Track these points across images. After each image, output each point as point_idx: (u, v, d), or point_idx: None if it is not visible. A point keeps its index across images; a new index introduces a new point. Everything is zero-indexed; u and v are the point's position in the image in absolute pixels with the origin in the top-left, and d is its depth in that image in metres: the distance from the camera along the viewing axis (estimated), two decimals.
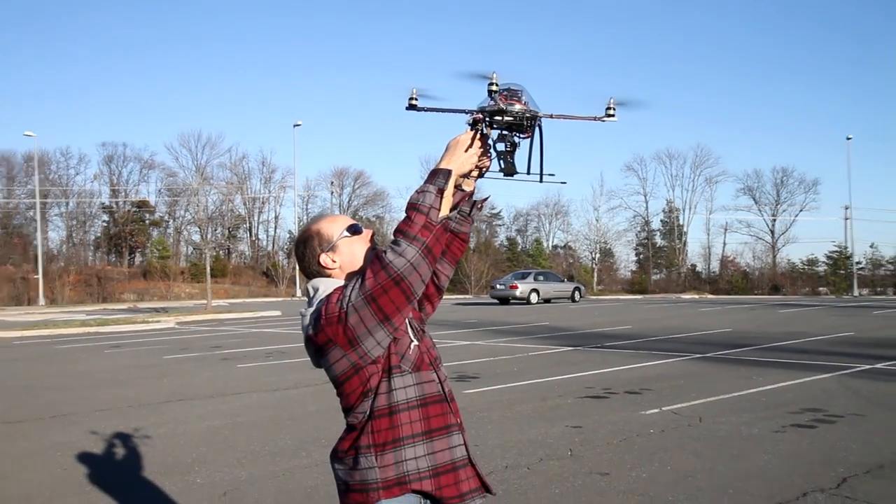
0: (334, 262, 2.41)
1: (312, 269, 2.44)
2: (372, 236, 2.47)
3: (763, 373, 11.65)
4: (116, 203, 68.02)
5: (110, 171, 68.11)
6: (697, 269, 67.21)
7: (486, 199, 2.64)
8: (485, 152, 2.46)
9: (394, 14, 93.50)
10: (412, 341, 2.33)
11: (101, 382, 12.33)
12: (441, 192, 2.25)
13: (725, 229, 68.12)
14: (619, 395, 9.86)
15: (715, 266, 66.18)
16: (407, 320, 2.33)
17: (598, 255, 62.59)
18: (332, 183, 71.24)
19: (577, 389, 10.36)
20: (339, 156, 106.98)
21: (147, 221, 68.99)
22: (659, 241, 72.40)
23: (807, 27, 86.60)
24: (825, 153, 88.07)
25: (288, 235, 69.54)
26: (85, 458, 7.12)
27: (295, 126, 57.18)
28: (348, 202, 72.98)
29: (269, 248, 72.79)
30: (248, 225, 71.96)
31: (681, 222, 69.63)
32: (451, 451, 2.34)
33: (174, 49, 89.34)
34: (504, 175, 2.57)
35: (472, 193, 2.58)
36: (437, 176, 2.29)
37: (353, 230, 2.42)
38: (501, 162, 2.56)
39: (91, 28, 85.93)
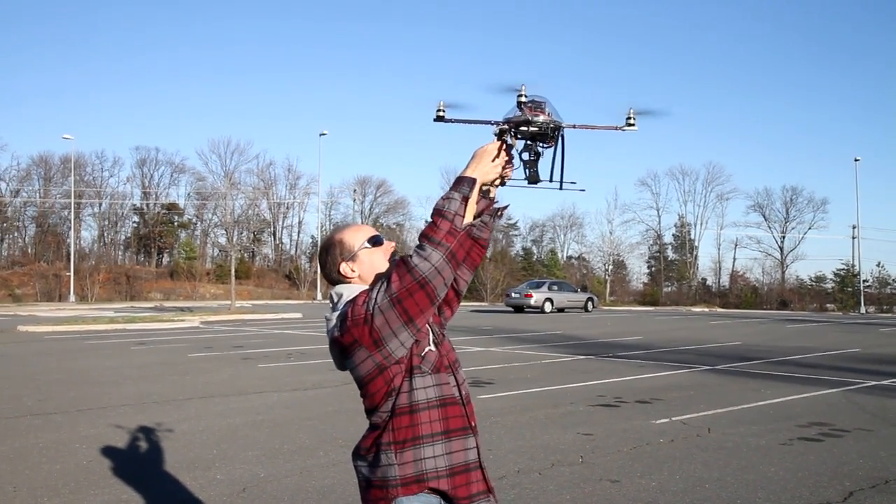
0: (353, 271, 2.43)
1: (333, 276, 2.46)
2: (393, 252, 2.48)
3: (771, 386, 11.53)
4: (147, 205, 68.58)
5: (142, 175, 68.74)
6: (708, 282, 66.85)
7: (505, 207, 2.65)
8: (509, 161, 2.47)
9: (416, 23, 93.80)
10: (430, 344, 2.33)
11: (127, 378, 12.39)
12: (466, 199, 2.26)
13: (736, 245, 67.77)
14: (630, 404, 9.80)
15: (725, 280, 65.74)
16: (427, 324, 2.33)
17: (611, 267, 62.32)
18: (354, 190, 71.41)
19: (589, 397, 10.30)
20: (362, 164, 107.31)
21: (175, 223, 69.45)
22: (671, 254, 72.01)
23: (817, 48, 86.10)
24: (834, 173, 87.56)
25: (311, 240, 69.85)
26: (109, 451, 7.14)
27: (321, 135, 57.41)
28: (370, 210, 73.18)
29: (293, 251, 73.06)
30: (272, 229, 72.25)
31: (692, 237, 69.31)
32: (466, 452, 2.34)
33: (208, 58, 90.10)
34: (528, 183, 2.60)
35: (493, 201, 2.58)
36: (463, 184, 2.30)
37: (375, 241, 2.44)
38: (526, 170, 2.59)
39: (131, 37, 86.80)
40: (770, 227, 65.75)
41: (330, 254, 2.46)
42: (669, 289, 66.87)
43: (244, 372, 13.21)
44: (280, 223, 73.29)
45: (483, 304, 52.15)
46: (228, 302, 38.20)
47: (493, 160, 2.40)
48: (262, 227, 67.55)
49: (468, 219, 2.31)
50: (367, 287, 2.34)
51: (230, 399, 10.20)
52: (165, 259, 69.63)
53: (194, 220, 71.59)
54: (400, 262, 2.18)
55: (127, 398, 10.23)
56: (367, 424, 2.38)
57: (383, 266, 2.41)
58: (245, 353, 16.32)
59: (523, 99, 2.49)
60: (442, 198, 2.26)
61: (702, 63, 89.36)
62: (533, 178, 2.59)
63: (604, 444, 7.43)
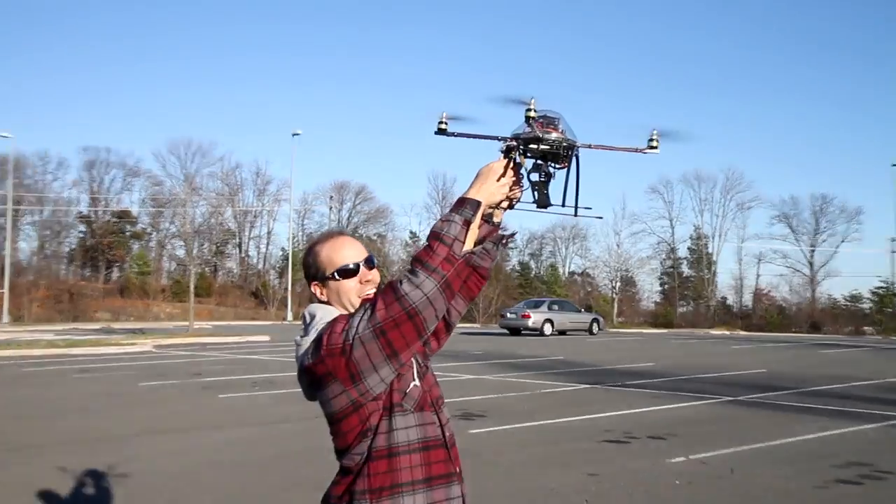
0: (322, 294, 2.44)
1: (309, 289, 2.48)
2: (378, 286, 2.45)
3: (802, 420, 11.50)
4: (95, 212, 68.25)
5: (91, 178, 68.35)
6: (728, 302, 67.00)
7: (512, 235, 2.65)
8: (517, 182, 2.48)
9: (407, 23, 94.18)
10: (414, 378, 2.31)
11: (68, 411, 12.24)
12: (468, 223, 2.25)
13: (759, 260, 67.85)
14: (640, 440, 9.74)
15: (747, 300, 65.94)
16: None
17: (618, 284, 62.48)
18: (331, 197, 71.46)
19: (594, 432, 10.24)
20: (339, 168, 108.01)
21: (128, 233, 69.20)
22: (686, 270, 72.17)
23: (849, 45, 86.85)
24: (868, 180, 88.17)
25: (281, 253, 69.71)
26: (48, 497, 7.02)
27: (294, 135, 57.56)
28: (348, 218, 73.13)
29: (260, 266, 72.89)
30: (237, 240, 72.12)
31: (710, 250, 69.47)
32: (450, 502, 2.32)
33: (165, 49, 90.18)
34: (537, 207, 2.59)
35: (498, 226, 2.59)
36: (465, 206, 2.29)
37: (345, 272, 2.41)
38: (535, 193, 2.58)
39: (76, 26, 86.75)
40: (798, 240, 66.09)
41: (306, 263, 2.49)
42: (685, 309, 66.99)
43: (203, 403, 13.08)
44: (246, 234, 73.19)
45: (474, 325, 52.12)
46: (186, 323, 38.01)
47: (499, 179, 2.40)
48: (225, 238, 67.46)
49: (468, 245, 2.30)
50: (343, 312, 2.33)
51: (187, 435, 10.08)
52: (115, 274, 69.28)
53: (149, 229, 71.40)
54: (388, 289, 2.16)
55: (68, 434, 10.09)
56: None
57: (351, 301, 2.39)
58: (204, 382, 16.19)
59: (532, 114, 2.49)
60: (441, 219, 2.25)
61: (719, 62, 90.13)
62: (542, 202, 2.58)
63: (611, 486, 7.35)
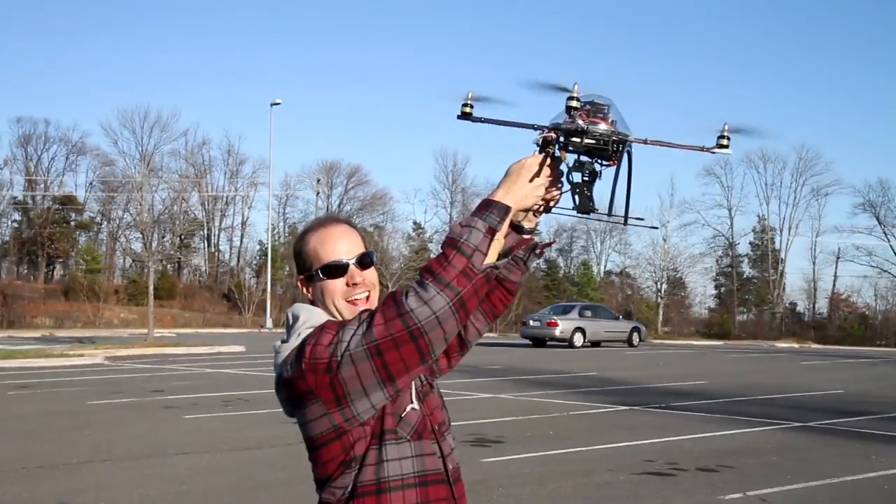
0: (308, 293, 2.48)
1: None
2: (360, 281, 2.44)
3: (887, 451, 11.53)
4: (33, 198, 68.57)
5: (26, 156, 68.75)
6: (798, 309, 66.92)
7: (549, 244, 2.65)
8: (555, 182, 2.44)
9: None
10: (412, 401, 2.33)
11: (3, 434, 12.34)
12: (492, 231, 2.21)
13: (838, 257, 67.65)
14: (688, 472, 9.77)
15: (822, 306, 65.87)
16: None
17: (664, 287, 62.40)
18: (318, 181, 71.60)
19: (632, 463, 10.28)
20: (328, 146, 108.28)
21: (73, 223, 69.44)
22: (747, 270, 72.08)
23: None
24: None
25: (258, 248, 69.89)
26: None
27: (273, 105, 57.49)
28: (339, 206, 73.15)
29: (233, 263, 73.16)
30: (205, 232, 72.29)
31: (777, 246, 69.38)
32: None
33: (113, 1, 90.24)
34: (577, 213, 2.55)
35: (531, 233, 2.57)
36: (491, 209, 2.25)
37: (329, 271, 2.42)
38: (576, 196, 2.53)
39: None
40: (886, 234, 65.67)
41: (296, 254, 2.51)
42: (745, 317, 66.95)
43: (165, 425, 13.17)
44: (216, 224, 73.41)
45: (491, 335, 52.14)
46: (144, 331, 38.12)
47: (532, 179, 2.36)
48: (191, 229, 67.60)
49: (491, 257, 2.25)
50: (332, 319, 2.34)
51: (145, 462, 10.15)
52: (58, 272, 69.57)
53: (98, 219, 71.64)
54: (390, 301, 2.14)
55: (4, 462, 10.16)
56: None
57: (336, 305, 2.40)
58: (166, 400, 16.28)
59: (575, 104, 2.42)
60: (460, 224, 2.22)
61: (790, 19, 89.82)
62: (584, 207, 2.53)
63: None
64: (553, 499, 8.39)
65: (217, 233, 73.71)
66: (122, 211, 68.57)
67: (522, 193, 2.34)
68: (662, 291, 62.20)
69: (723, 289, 70.29)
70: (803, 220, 69.23)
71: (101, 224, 72.00)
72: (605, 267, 73.11)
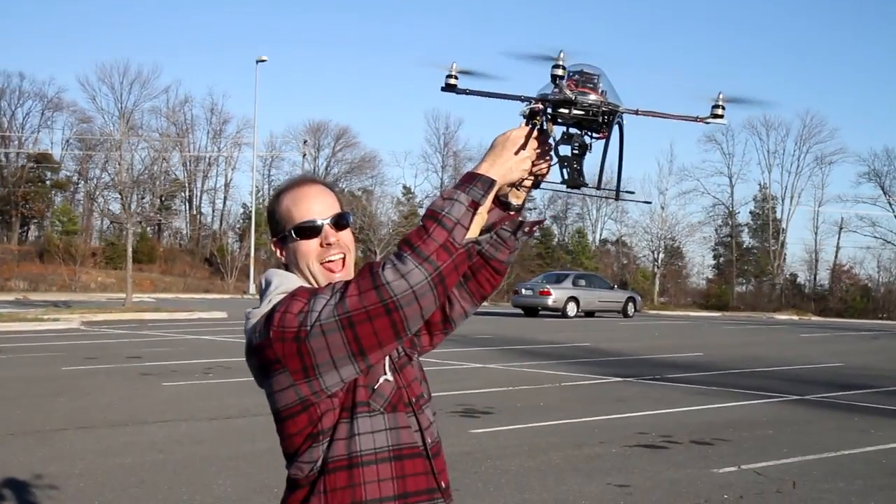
0: (281, 255, 2.48)
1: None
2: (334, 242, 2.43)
3: (885, 425, 11.62)
4: (6, 155, 68.21)
5: None
6: (799, 280, 67.16)
7: (539, 222, 2.63)
8: (543, 155, 2.42)
9: None
10: (385, 372, 2.32)
11: None
12: (475, 205, 2.19)
13: (840, 228, 67.89)
14: (682, 445, 9.84)
15: (823, 277, 66.16)
16: None
17: (662, 256, 62.50)
18: (304, 142, 71.48)
19: (625, 435, 10.34)
20: (315, 106, 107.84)
21: (48, 182, 69.17)
22: (747, 240, 72.30)
23: None
24: None
25: (242, 211, 69.90)
26: None
27: (258, 62, 57.18)
28: (326, 168, 73.10)
29: (216, 226, 73.15)
30: (187, 194, 72.23)
31: (778, 216, 69.57)
32: None
33: None
34: (567, 187, 2.53)
35: (519, 210, 2.54)
36: (474, 182, 2.23)
37: (301, 231, 2.41)
38: (565, 170, 2.51)
39: None
40: (891, 204, 65.84)
41: (270, 215, 2.51)
42: (744, 288, 67.16)
43: (142, 393, 13.20)
44: (199, 185, 73.36)
45: (483, 303, 52.29)
46: (122, 295, 38.11)
47: (518, 151, 2.33)
48: (172, 190, 67.39)
49: (473, 232, 2.22)
50: (306, 283, 2.35)
51: (121, 430, 10.17)
52: (33, 233, 69.41)
53: (75, 178, 71.39)
54: (365, 272, 2.13)
55: None
56: None
57: (310, 267, 2.40)
58: (144, 367, 16.31)
59: (560, 72, 2.38)
60: (441, 196, 2.20)
61: None
62: (574, 182, 2.51)
63: (645, 499, 7.44)
64: (543, 471, 8.43)
65: (199, 195, 73.73)
66: (100, 170, 68.50)
67: (508, 166, 2.31)
68: (659, 261, 62.26)
69: (721, 259, 70.48)
70: (806, 189, 69.52)
71: (77, 184, 71.82)
72: (600, 235, 73.31)
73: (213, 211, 74.89)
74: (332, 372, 2.16)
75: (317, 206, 2.42)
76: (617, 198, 2.69)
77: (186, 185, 71.31)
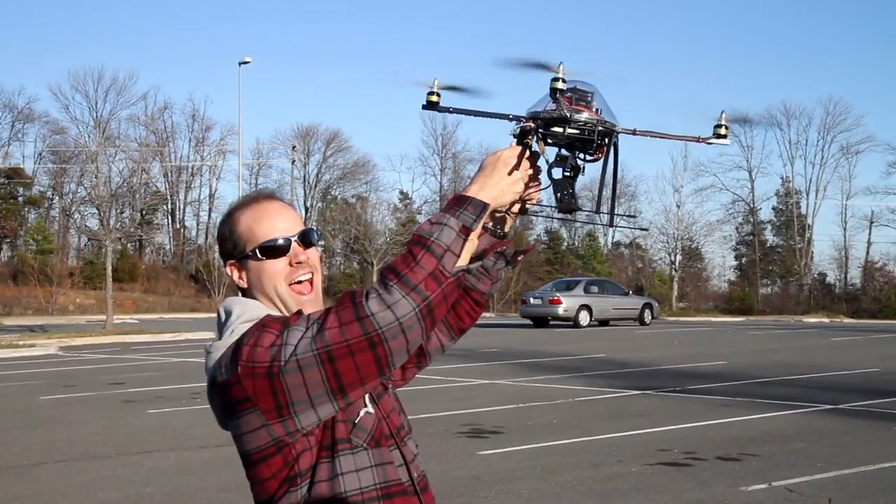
0: (241, 278, 2.41)
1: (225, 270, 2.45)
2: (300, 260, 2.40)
3: None
4: None
5: None
6: (828, 279, 67.12)
7: (527, 251, 2.60)
8: (533, 177, 2.40)
9: None
10: (366, 404, 2.28)
11: None
12: (467, 231, 2.14)
13: (871, 222, 67.95)
14: (707, 461, 9.82)
15: (855, 276, 66.09)
16: None
17: (679, 258, 62.49)
18: (293, 147, 71.47)
19: (644, 452, 10.32)
20: (304, 110, 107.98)
21: (21, 199, 69.27)
22: (770, 238, 72.28)
23: None
24: None
25: None
26: None
27: (241, 64, 57.18)
28: (316, 175, 73.25)
29: (201, 240, 73.09)
30: (169, 206, 72.29)
31: (803, 211, 69.55)
32: None
33: None
34: (559, 212, 2.51)
35: (504, 237, 2.52)
36: (465, 206, 2.18)
37: (266, 250, 2.36)
38: (559, 193, 2.48)
39: None
40: None
41: (223, 236, 2.44)
42: (769, 289, 67.12)
43: (126, 421, 13.19)
44: (181, 197, 73.40)
45: (488, 315, 52.25)
46: (103, 317, 38.15)
47: (511, 173, 2.30)
48: (154, 203, 67.46)
49: (463, 260, 2.17)
50: (277, 313, 2.29)
51: (104, 462, 10.15)
52: (5, 253, 69.49)
53: (50, 193, 71.45)
54: (347, 301, 2.07)
55: None
56: None
57: (277, 290, 2.35)
58: (127, 394, 16.29)
59: (561, 85, 2.37)
60: (430, 220, 2.15)
61: None
62: (567, 206, 2.48)
63: None
64: (557, 493, 8.41)
65: (182, 207, 73.79)
66: (76, 184, 68.53)
67: (499, 188, 2.27)
68: (677, 263, 62.25)
69: (744, 259, 70.48)
70: (832, 182, 69.48)
71: (52, 199, 71.90)
72: (612, 238, 73.14)
73: (198, 224, 74.99)
74: (308, 411, 2.10)
75: (281, 223, 2.39)
76: (611, 224, 2.65)
77: (168, 197, 71.40)
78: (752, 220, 70.28)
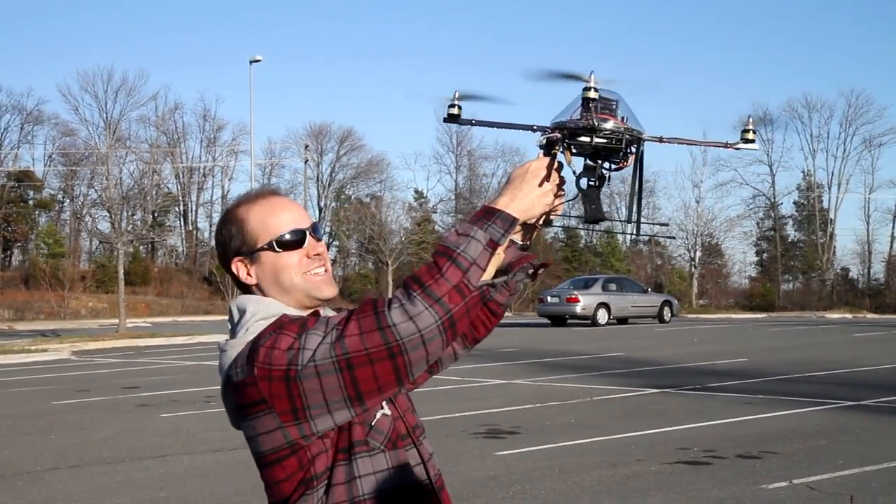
0: (250, 276, 2.38)
1: (231, 271, 2.42)
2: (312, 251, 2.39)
3: None
4: None
5: None
6: (851, 274, 66.88)
7: (545, 265, 2.60)
8: (559, 188, 2.39)
9: None
10: (382, 406, 2.28)
11: None
12: (494, 245, 2.14)
13: (895, 216, 67.58)
14: (727, 459, 9.80)
15: (878, 270, 65.78)
16: None
17: (699, 254, 62.32)
18: (306, 147, 71.37)
19: (664, 451, 10.32)
20: (316, 108, 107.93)
21: (31, 202, 69.40)
22: (792, 233, 71.98)
23: None
24: None
25: None
26: None
27: (252, 63, 57.22)
28: (330, 175, 73.24)
29: (213, 241, 73.01)
30: (181, 208, 72.38)
31: (825, 205, 69.24)
32: None
33: None
34: (585, 222, 2.52)
35: (526, 249, 2.53)
36: (493, 219, 2.18)
37: (284, 242, 2.35)
38: (586, 204, 2.48)
39: None
40: None
41: (226, 235, 2.42)
42: (791, 285, 66.89)
43: (139, 426, 13.24)
44: (193, 199, 73.50)
45: (506, 314, 52.21)
46: (115, 321, 38.25)
47: (542, 184, 2.30)
48: (165, 205, 67.46)
49: (488, 273, 2.19)
50: (292, 312, 2.27)
51: (118, 467, 10.19)
52: (16, 257, 69.64)
53: (60, 196, 71.62)
54: (368, 309, 2.08)
55: None
56: None
57: (293, 282, 2.33)
58: (141, 398, 16.36)
59: (593, 94, 2.37)
60: (457, 231, 2.15)
61: None
62: (593, 216, 2.49)
63: None
64: (575, 493, 8.42)
65: (194, 209, 73.89)
66: (87, 187, 68.67)
67: (529, 201, 2.28)
68: (697, 260, 62.13)
69: (765, 255, 70.23)
70: (854, 175, 69.14)
71: (63, 202, 72.08)
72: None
73: (211, 226, 74.78)
74: (324, 416, 2.12)
75: (291, 216, 2.38)
76: (638, 232, 2.65)
77: (180, 198, 71.42)
78: (772, 214, 69.99)
